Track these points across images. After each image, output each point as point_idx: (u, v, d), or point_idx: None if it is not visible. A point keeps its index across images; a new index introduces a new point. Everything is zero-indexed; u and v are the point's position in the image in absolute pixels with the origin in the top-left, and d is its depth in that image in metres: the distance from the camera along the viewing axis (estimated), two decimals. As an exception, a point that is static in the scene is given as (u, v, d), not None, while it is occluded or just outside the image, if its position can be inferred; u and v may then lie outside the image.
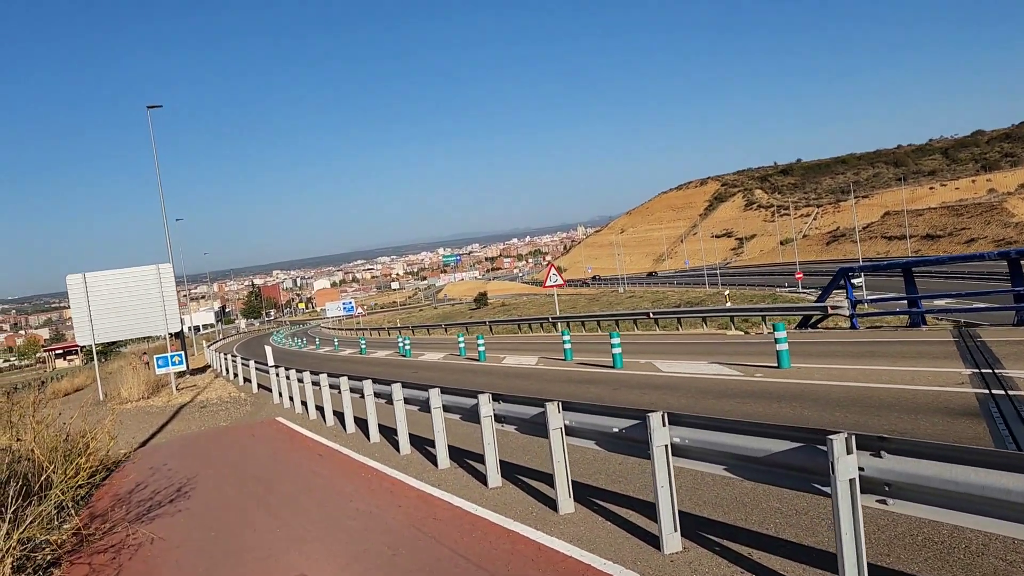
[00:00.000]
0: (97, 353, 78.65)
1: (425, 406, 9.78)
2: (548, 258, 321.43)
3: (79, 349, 76.31)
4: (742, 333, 23.95)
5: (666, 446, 5.28)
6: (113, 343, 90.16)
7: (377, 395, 11.76)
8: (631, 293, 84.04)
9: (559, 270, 37.33)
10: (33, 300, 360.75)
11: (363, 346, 39.56)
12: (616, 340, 17.88)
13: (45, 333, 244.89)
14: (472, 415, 8.49)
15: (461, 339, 28.56)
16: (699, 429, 5.22)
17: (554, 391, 14.73)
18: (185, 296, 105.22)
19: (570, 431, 6.64)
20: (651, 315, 28.70)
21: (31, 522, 6.76)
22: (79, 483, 8.74)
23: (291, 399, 17.81)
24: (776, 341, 13.99)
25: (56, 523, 8.11)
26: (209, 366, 43.44)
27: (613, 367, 17.49)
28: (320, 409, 15.61)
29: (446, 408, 9.22)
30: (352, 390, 12.93)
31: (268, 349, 21.99)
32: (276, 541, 7.14)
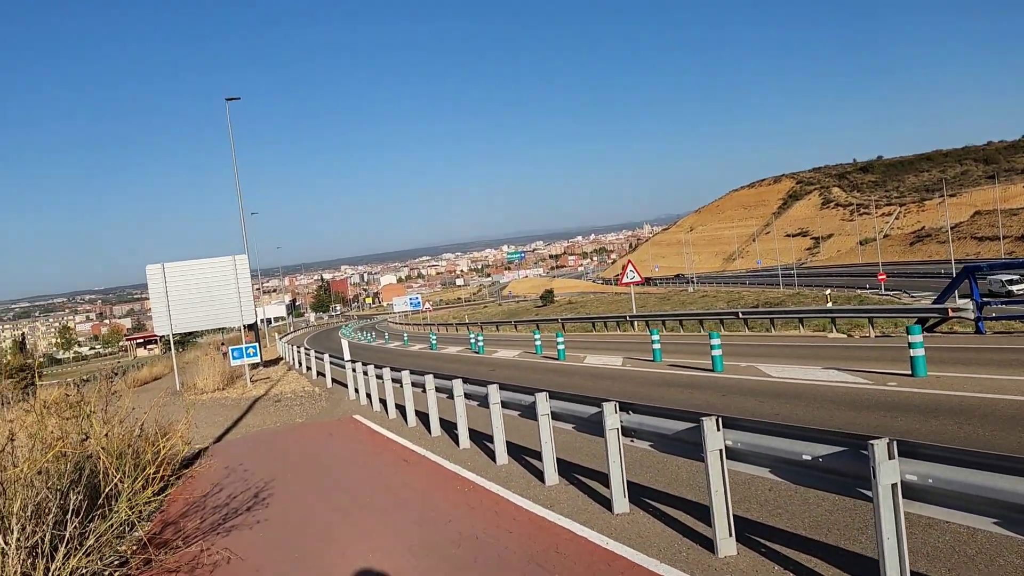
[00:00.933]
0: (174, 343, 79.94)
1: (529, 412, 8.66)
2: (613, 256, 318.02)
3: (158, 338, 77.83)
4: (844, 336, 22.19)
5: (893, 485, 3.98)
6: (189, 333, 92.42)
7: (468, 396, 10.68)
8: (703, 292, 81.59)
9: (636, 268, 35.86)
10: (117, 291, 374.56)
11: (433, 341, 38.82)
12: (716, 341, 16.47)
13: (128, 323, 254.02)
14: (590, 426, 7.31)
15: (537, 336, 27.42)
16: (942, 464, 3.91)
17: (655, 396, 13.44)
18: (258, 289, 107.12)
19: (734, 454, 5.38)
20: (740, 315, 27.03)
21: (92, 545, 5.87)
22: (148, 497, 7.88)
23: (368, 396, 16.94)
24: (910, 346, 12.40)
25: (123, 532, 7.26)
26: (281, 358, 43.37)
27: (713, 370, 16.10)
28: (401, 408, 14.66)
29: (556, 416, 8.05)
30: (438, 390, 11.89)
31: (345, 343, 21.29)
32: (369, 568, 6.09)
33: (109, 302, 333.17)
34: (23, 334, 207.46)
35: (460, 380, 10.73)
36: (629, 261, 36.43)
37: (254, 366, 33.69)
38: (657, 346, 20.00)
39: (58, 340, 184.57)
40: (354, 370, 18.13)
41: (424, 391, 12.31)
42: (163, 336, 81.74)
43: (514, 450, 9.74)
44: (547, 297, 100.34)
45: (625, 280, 35.86)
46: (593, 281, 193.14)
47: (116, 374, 45.64)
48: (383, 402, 15.70)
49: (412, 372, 13.23)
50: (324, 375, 23.98)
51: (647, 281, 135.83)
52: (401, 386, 13.45)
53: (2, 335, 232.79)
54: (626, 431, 6.74)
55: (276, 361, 40.87)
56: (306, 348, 31.66)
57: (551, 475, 8.13)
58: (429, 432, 12.12)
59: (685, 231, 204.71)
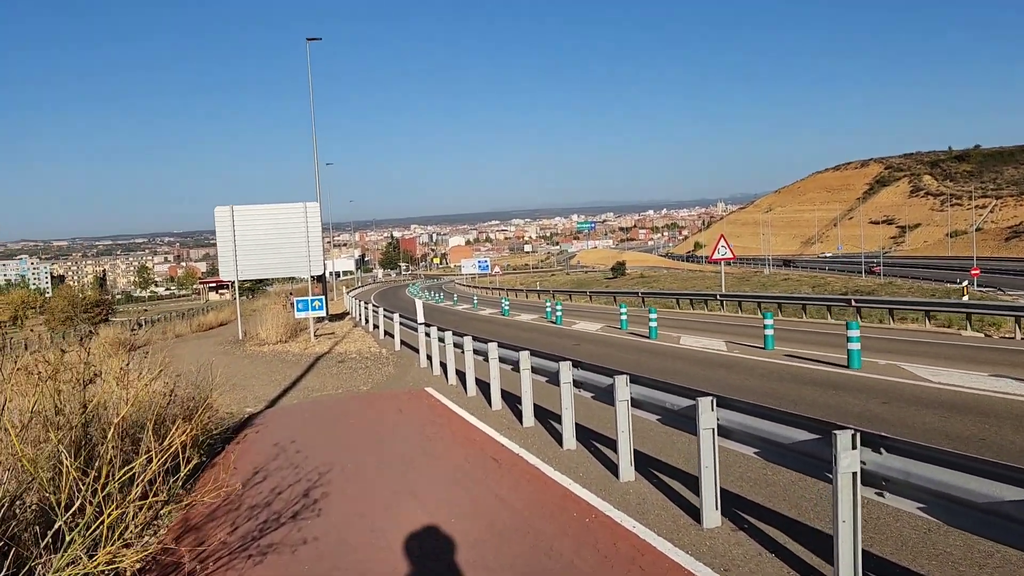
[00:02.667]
0: (244, 290, 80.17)
1: (672, 417, 6.33)
2: (685, 232, 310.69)
3: (230, 284, 77.89)
4: (981, 335, 19.13)
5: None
6: (260, 281, 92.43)
7: (579, 384, 8.37)
8: (785, 276, 77.26)
9: (727, 242, 32.90)
10: (195, 235, 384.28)
11: (506, 307, 36.68)
12: (855, 332, 13.77)
13: (203, 266, 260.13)
14: (788, 455, 4.96)
15: (624, 310, 24.94)
16: None
17: (793, 396, 10.93)
18: (328, 242, 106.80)
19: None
20: (853, 303, 24.00)
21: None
22: (163, 492, 5.78)
23: (443, 366, 14.85)
24: None
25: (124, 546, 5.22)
26: (348, 313, 41.94)
27: (848, 367, 13.46)
28: (482, 385, 12.49)
29: (729, 433, 5.70)
30: (536, 370, 9.61)
31: (419, 304, 19.26)
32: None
33: (186, 245, 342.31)
34: (104, 271, 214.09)
35: (569, 364, 8.41)
36: (722, 236, 33.47)
37: (319, 320, 32.18)
38: (770, 332, 17.38)
39: (136, 279, 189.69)
40: (427, 335, 16.03)
41: (514, 370, 10.08)
42: (233, 281, 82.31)
43: (649, 463, 7.43)
44: (618, 269, 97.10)
45: (716, 256, 33.03)
46: (664, 256, 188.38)
47: (157, 322, 44.91)
48: (460, 376, 13.56)
49: (502, 346, 10.98)
50: (392, 336, 22.06)
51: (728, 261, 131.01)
52: (486, 360, 11.24)
53: (84, 270, 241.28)
54: (869, 478, 4.33)
55: (342, 316, 39.41)
56: (374, 305, 29.84)
57: (710, 510, 5.79)
58: (520, 422, 9.88)
59: (763, 211, 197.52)
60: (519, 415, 10.11)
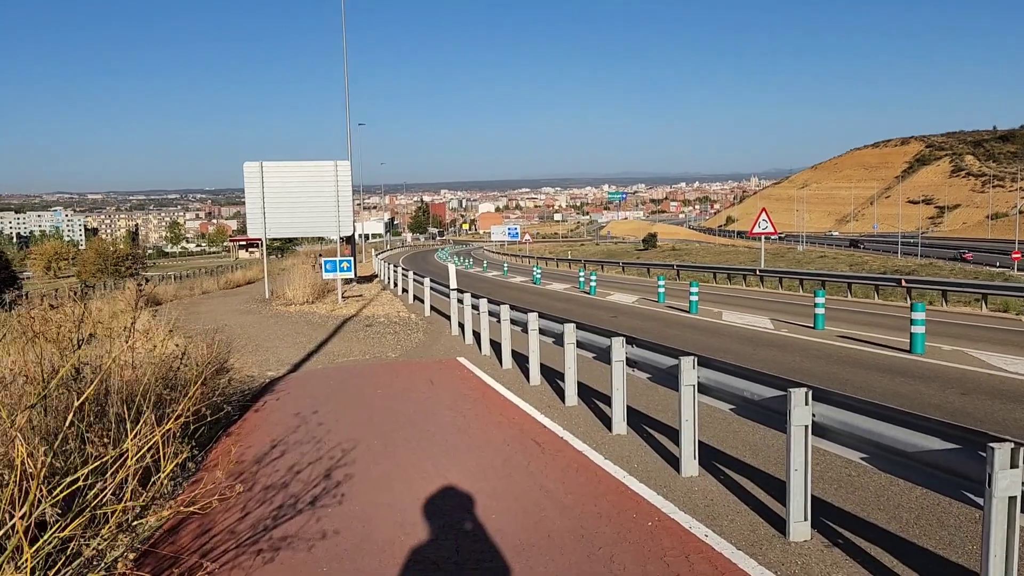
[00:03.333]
0: (273, 249, 79.73)
1: (751, 409, 5.44)
2: (717, 206, 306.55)
3: (260, 241, 77.50)
4: (1047, 323, 17.90)
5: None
6: (290, 240, 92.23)
7: (633, 364, 7.48)
8: (821, 254, 75.44)
9: (768, 215, 31.63)
10: (227, 192, 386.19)
11: (537, 275, 35.79)
12: (920, 315, 12.72)
13: (234, 224, 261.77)
14: (899, 461, 4.05)
15: (662, 282, 23.93)
16: None
17: (858, 382, 9.96)
18: (359, 204, 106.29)
19: None
20: (903, 283, 22.77)
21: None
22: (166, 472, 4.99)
23: (476, 336, 14.04)
24: None
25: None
26: (376, 275, 41.32)
27: (911, 352, 12.43)
28: (518, 358, 11.68)
29: (825, 432, 4.80)
30: (582, 344, 8.74)
31: (451, 269, 18.40)
32: None
33: (218, 202, 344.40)
34: (136, 225, 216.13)
35: (621, 339, 7.51)
36: (763, 210, 32.13)
37: (347, 281, 31.55)
38: (821, 311, 16.32)
39: (168, 234, 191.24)
40: (460, 302, 15.20)
41: (556, 343, 9.22)
42: (262, 239, 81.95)
43: (713, 456, 6.56)
44: (650, 241, 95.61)
45: (756, 230, 31.81)
46: (695, 229, 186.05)
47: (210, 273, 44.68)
48: (495, 346, 12.74)
49: (543, 316, 10.10)
50: (422, 301, 21.31)
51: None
52: (524, 332, 10.38)
53: (118, 224, 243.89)
54: None
55: (371, 278, 38.80)
56: (403, 268, 29.08)
57: (800, 530, 4.90)
58: (562, 400, 9.04)
59: (798, 187, 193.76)
60: (560, 393, 9.27)
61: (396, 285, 29.32)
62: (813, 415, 4.81)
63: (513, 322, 11.31)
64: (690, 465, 6.23)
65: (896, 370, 11.02)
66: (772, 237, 32.93)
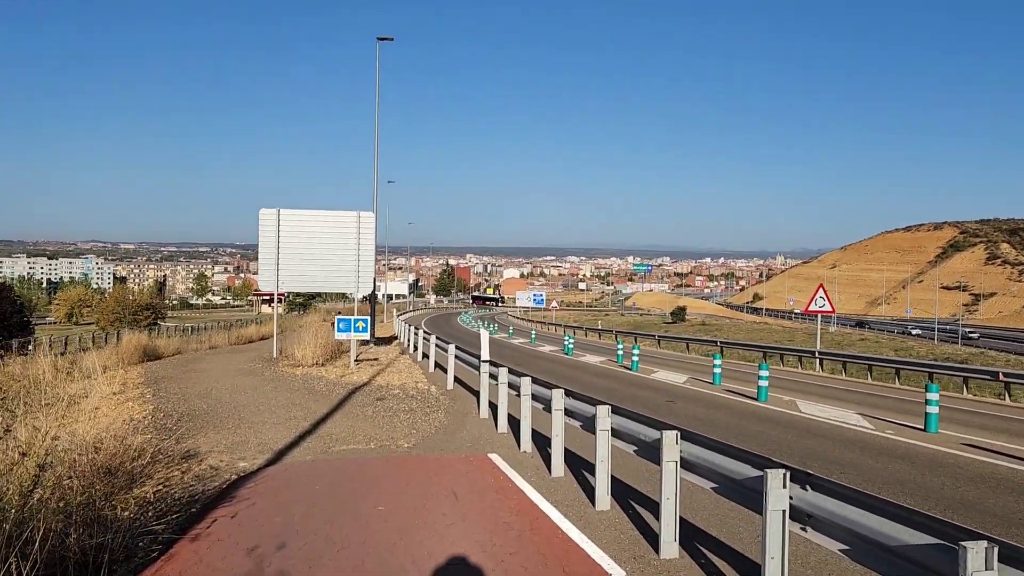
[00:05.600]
0: (295, 304, 77.24)
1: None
2: (742, 283, 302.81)
3: (285, 297, 74.78)
4: None
5: None
6: (312, 296, 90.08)
7: (808, 515, 4.47)
8: (861, 336, 71.63)
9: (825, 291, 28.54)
10: (256, 248, 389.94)
11: (568, 345, 32.76)
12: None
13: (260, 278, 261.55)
14: None
15: (719, 362, 20.81)
16: None
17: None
18: (384, 265, 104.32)
19: None
20: (1002, 376, 19.48)
21: None
22: None
23: (508, 420, 11.08)
24: None
25: None
26: (396, 337, 38.52)
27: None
28: (572, 460, 8.67)
29: None
30: (691, 464, 5.72)
31: (484, 337, 15.51)
32: None
33: (247, 256, 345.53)
34: (165, 276, 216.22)
35: (781, 473, 4.52)
36: (820, 285, 29.07)
37: (364, 343, 28.77)
38: (934, 410, 13.13)
39: (194, 286, 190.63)
40: (493, 378, 12.24)
41: (644, 454, 6.23)
42: (287, 295, 79.52)
43: None
44: (678, 314, 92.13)
45: (813, 307, 28.72)
46: (721, 305, 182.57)
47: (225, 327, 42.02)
48: (537, 439, 9.73)
49: (616, 411, 7.09)
50: (444, 370, 18.41)
51: (792, 315, 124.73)
52: (586, 429, 7.39)
53: (147, 274, 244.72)
54: None
55: (390, 340, 36.01)
56: (426, 332, 26.25)
57: None
58: (655, 550, 5.97)
59: (827, 267, 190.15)
60: (638, 522, 6.23)
61: (416, 349, 26.45)
62: None
63: (569, 413, 8.32)
64: None
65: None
66: (815, 316, 29.78)
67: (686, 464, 5.71)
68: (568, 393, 8.46)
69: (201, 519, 6.43)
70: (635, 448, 6.65)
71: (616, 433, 7.04)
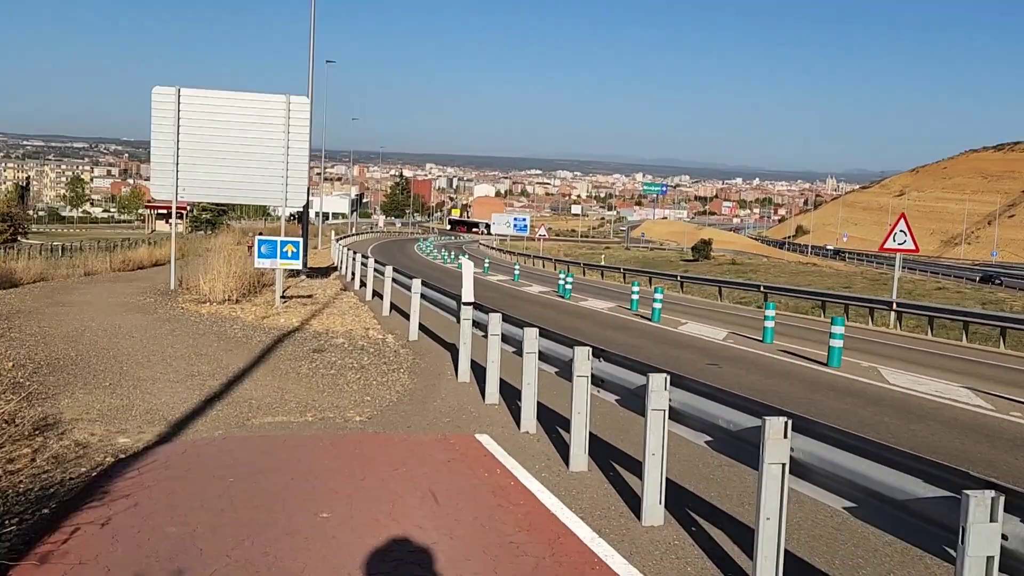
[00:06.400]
0: (202, 222, 76.13)
1: None
2: (782, 211, 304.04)
3: (188, 211, 72.44)
4: None
5: None
6: (223, 211, 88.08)
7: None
8: (937, 283, 71.74)
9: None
10: (148, 145, 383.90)
11: (566, 285, 32.01)
12: None
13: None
14: None
15: (771, 313, 20.12)
16: None
17: None
18: (318, 173, 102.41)
19: None
20: None
21: None
22: None
23: (498, 382, 10.27)
24: None
25: None
26: (335, 268, 37.60)
27: None
28: (598, 442, 7.86)
29: None
30: (808, 469, 4.90)
31: (467, 269, 14.67)
32: None
33: (137, 157, 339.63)
34: (28, 178, 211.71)
35: (989, 494, 3.67)
36: (902, 215, 28.38)
37: (294, 274, 27.81)
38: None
39: (67, 193, 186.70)
40: (478, 327, 11.36)
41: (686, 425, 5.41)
42: (190, 208, 77.71)
43: None
44: (702, 250, 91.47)
45: (890, 244, 28.17)
46: (755, 239, 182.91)
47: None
48: (543, 416, 8.90)
49: (677, 382, 6.22)
50: (404, 316, 17.56)
51: (836, 254, 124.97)
52: (611, 395, 6.56)
53: (3, 175, 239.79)
54: None
55: (327, 271, 35.11)
56: (378, 263, 25.22)
57: None
58: (725, 554, 5.19)
59: (892, 194, 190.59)
60: (700, 539, 5.43)
61: (364, 285, 25.53)
62: None
63: (598, 382, 7.46)
64: None
65: None
66: (915, 253, 29.20)
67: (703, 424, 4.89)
68: (598, 353, 7.57)
69: (56, 527, 5.52)
70: (708, 439, 5.80)
71: (680, 412, 6.18)
